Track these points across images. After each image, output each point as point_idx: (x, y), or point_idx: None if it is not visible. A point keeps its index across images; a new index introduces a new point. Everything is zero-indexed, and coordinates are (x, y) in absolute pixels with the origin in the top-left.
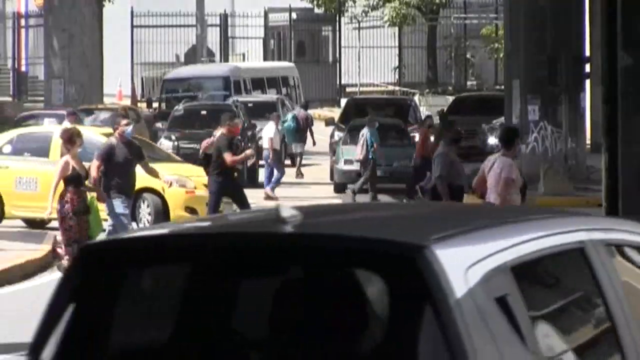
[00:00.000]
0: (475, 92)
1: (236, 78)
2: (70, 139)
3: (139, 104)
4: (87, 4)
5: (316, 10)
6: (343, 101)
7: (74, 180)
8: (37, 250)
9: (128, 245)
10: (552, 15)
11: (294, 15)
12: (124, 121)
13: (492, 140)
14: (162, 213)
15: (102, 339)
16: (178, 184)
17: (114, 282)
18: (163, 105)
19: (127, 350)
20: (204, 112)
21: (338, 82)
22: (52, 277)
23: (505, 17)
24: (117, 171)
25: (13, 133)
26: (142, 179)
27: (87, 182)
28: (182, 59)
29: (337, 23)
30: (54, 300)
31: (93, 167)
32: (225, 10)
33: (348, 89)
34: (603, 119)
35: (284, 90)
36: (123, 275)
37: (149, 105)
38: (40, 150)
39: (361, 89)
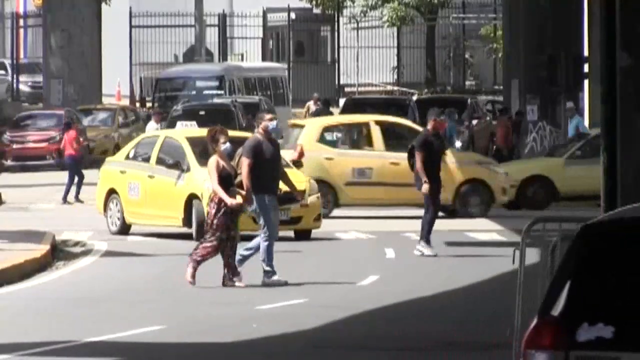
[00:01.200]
0: (436, 93)
1: (230, 77)
2: (213, 137)
3: (137, 104)
4: (86, 4)
5: (315, 11)
6: (341, 101)
7: (224, 179)
8: (36, 250)
9: (629, 225)
10: (551, 16)
11: (292, 15)
12: (268, 116)
13: (458, 143)
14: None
15: (600, 304)
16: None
17: (612, 256)
18: (156, 105)
19: (623, 316)
20: (202, 112)
21: (337, 82)
22: (50, 277)
23: (504, 17)
24: (264, 168)
25: (141, 137)
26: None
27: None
28: (180, 59)
29: (336, 23)
30: (561, 269)
31: (244, 165)
32: (223, 10)
33: (347, 89)
34: (602, 119)
35: (273, 91)
36: (622, 250)
37: (143, 105)
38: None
39: (360, 89)
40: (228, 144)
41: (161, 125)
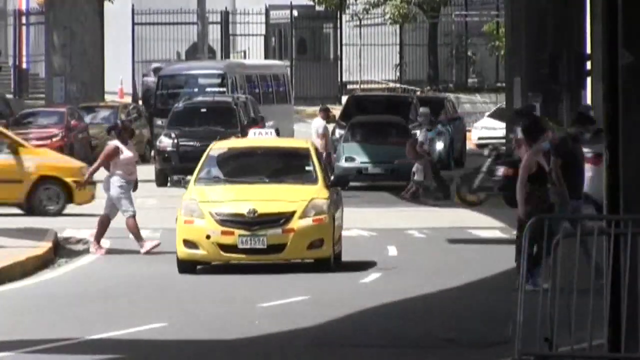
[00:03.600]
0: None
1: (232, 75)
2: (534, 135)
3: (140, 102)
4: (88, 1)
5: (317, 8)
6: (344, 99)
7: (538, 177)
8: (38, 247)
9: None
10: (553, 13)
11: (295, 13)
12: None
13: (440, 145)
14: None
15: None
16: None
17: None
18: (158, 102)
19: None
20: (203, 110)
21: (339, 80)
22: (53, 275)
23: (506, 14)
24: (571, 170)
25: None
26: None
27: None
28: (183, 56)
29: (338, 20)
30: None
31: (555, 165)
32: (226, 8)
33: (349, 87)
34: (604, 117)
35: (275, 88)
36: None
37: (145, 102)
38: None
39: (362, 86)
40: (547, 142)
41: (326, 123)
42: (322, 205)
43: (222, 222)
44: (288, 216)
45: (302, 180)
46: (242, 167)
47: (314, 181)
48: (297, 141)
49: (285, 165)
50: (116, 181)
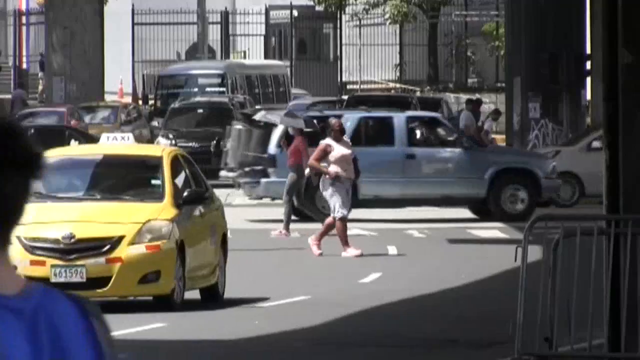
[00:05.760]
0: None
1: (232, 75)
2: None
3: (139, 101)
4: (89, 1)
5: (317, 8)
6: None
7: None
8: None
9: None
10: (553, 13)
11: (295, 13)
12: None
13: None
14: None
15: None
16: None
17: None
18: (158, 102)
19: None
20: (200, 110)
21: (339, 80)
22: None
23: (506, 14)
24: None
25: None
26: None
27: None
28: (183, 56)
29: (338, 20)
30: None
31: None
32: (226, 8)
33: (349, 87)
34: (604, 117)
35: (275, 88)
36: None
37: (145, 102)
38: None
39: (362, 86)
40: None
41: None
42: (161, 227)
43: (32, 250)
44: (114, 242)
45: (143, 196)
46: (73, 180)
47: (158, 198)
48: (150, 148)
49: (127, 178)
50: (328, 180)
